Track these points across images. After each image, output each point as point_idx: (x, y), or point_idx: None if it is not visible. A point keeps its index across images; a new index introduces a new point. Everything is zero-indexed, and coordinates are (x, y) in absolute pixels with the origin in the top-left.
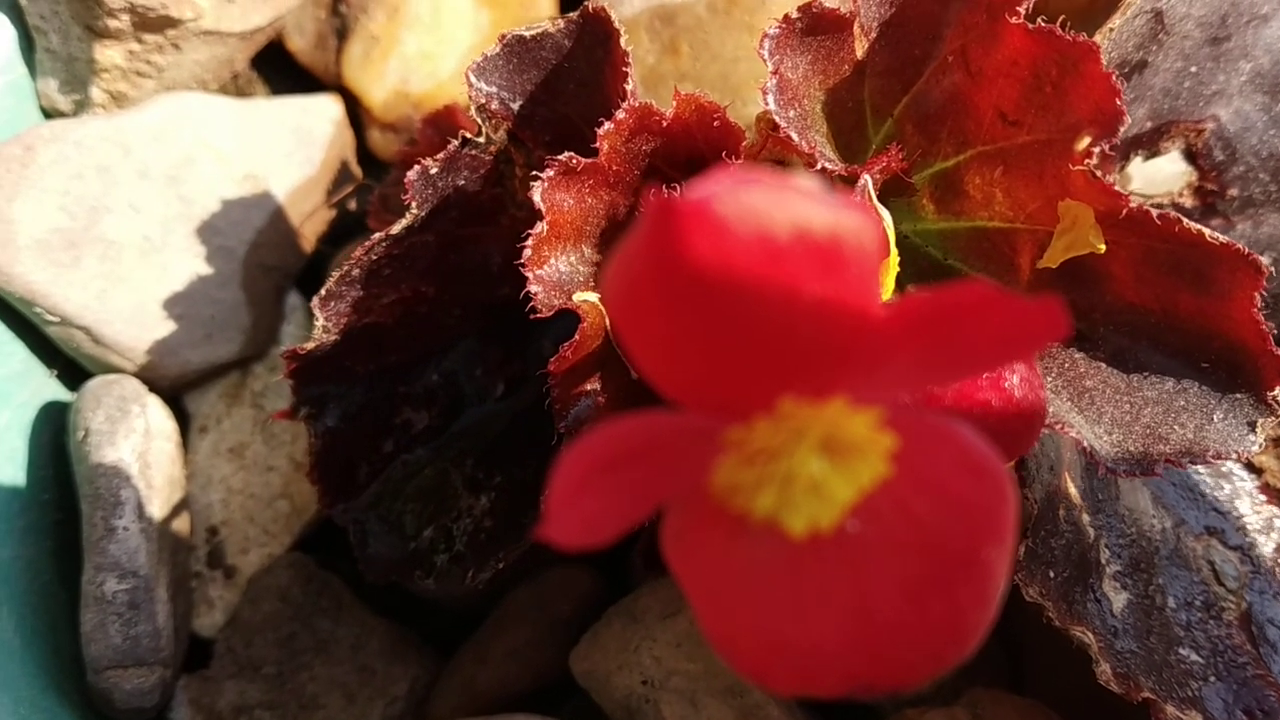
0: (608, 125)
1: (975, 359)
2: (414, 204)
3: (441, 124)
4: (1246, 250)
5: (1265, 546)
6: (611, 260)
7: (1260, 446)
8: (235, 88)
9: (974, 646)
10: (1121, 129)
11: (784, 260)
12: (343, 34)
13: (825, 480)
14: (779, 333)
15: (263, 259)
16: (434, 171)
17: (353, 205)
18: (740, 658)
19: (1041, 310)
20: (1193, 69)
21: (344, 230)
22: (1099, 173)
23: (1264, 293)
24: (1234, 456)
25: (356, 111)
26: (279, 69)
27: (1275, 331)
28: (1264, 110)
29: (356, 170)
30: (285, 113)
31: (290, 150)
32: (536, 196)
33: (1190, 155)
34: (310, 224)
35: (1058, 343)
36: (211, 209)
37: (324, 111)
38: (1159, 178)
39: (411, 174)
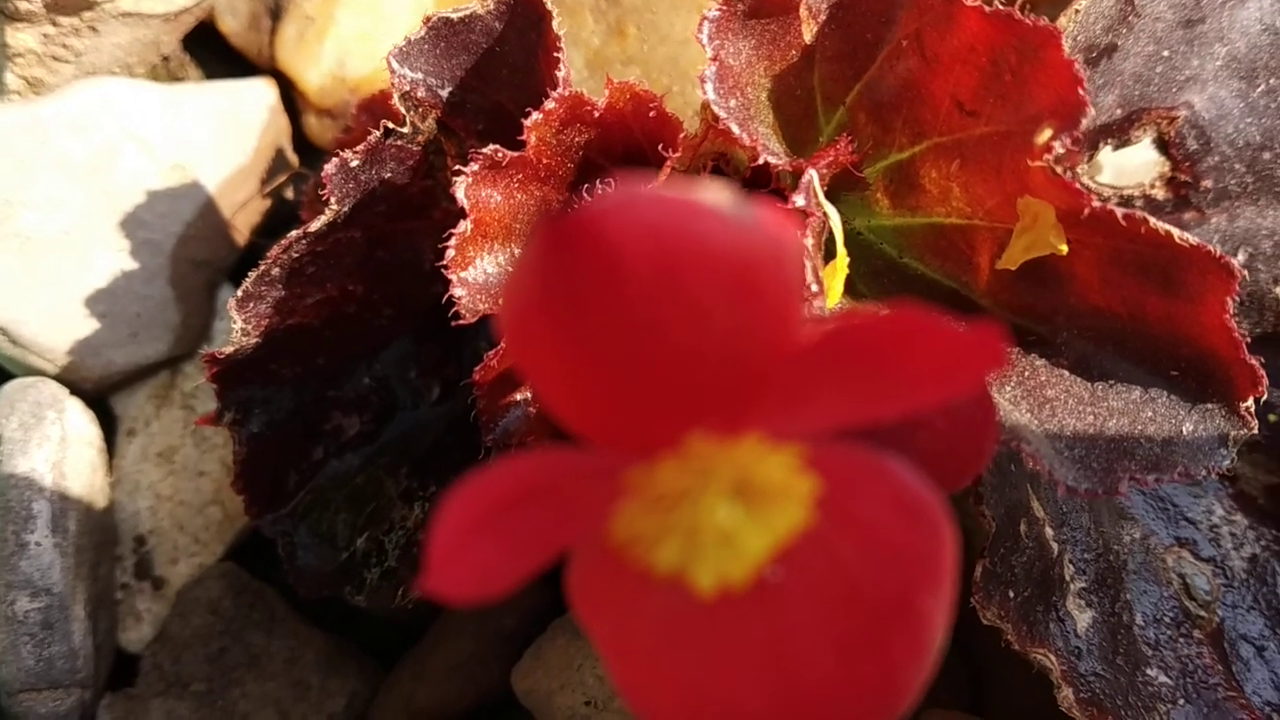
0: (535, 116)
1: (907, 392)
2: (333, 199)
3: (377, 110)
4: (1218, 253)
5: (1238, 558)
6: (505, 282)
7: (1232, 461)
8: (166, 71)
9: (909, 703)
10: (1084, 121)
11: (686, 283)
12: (276, 14)
13: (736, 530)
14: (684, 362)
15: (192, 253)
16: (355, 164)
17: (290, 194)
18: (654, 717)
19: (979, 342)
20: (1165, 53)
21: (280, 221)
22: (1059, 168)
23: (1237, 295)
24: (1204, 474)
25: (292, 96)
26: (213, 51)
27: (1249, 337)
28: (1240, 97)
29: (292, 158)
30: (215, 98)
31: (221, 138)
32: (460, 193)
33: (1162, 144)
34: (243, 215)
35: (997, 371)
36: (136, 201)
37: (257, 96)
38: (1130, 168)
39: (329, 167)
